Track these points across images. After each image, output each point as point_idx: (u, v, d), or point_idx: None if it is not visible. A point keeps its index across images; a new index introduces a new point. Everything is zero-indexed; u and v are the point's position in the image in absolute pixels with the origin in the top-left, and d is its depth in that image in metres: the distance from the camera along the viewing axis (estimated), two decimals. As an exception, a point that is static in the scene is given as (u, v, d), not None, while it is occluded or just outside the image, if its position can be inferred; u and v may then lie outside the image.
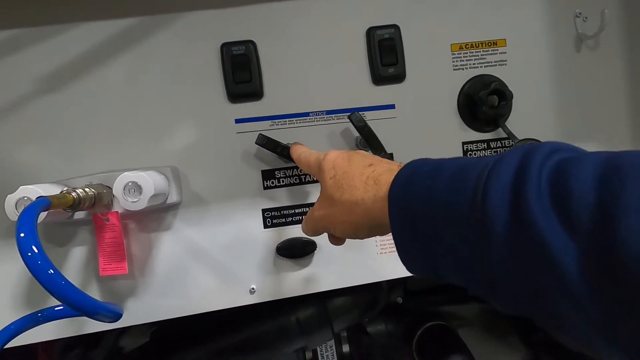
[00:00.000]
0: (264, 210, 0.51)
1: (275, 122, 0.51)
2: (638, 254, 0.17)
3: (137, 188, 0.40)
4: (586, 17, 0.54)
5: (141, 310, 0.49)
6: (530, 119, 0.54)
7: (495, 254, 0.22)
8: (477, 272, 0.25)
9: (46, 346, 0.60)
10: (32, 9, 0.46)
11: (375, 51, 0.51)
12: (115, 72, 0.48)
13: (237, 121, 0.50)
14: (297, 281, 0.51)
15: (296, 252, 0.50)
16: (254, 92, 0.49)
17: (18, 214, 0.37)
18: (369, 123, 0.48)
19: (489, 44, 0.53)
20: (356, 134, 0.51)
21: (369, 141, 0.48)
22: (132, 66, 0.48)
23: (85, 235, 0.48)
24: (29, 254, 0.29)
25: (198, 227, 0.49)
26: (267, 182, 0.51)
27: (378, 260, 0.52)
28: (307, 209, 0.52)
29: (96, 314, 0.35)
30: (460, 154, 0.54)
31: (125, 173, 0.40)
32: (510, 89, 0.51)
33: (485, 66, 0.53)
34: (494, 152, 0.54)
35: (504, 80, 0.52)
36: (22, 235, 0.30)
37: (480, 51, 0.53)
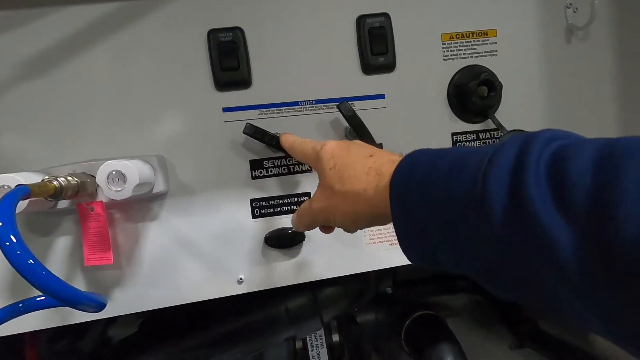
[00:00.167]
0: (252, 200, 0.50)
1: (263, 111, 0.50)
2: (634, 236, 0.17)
3: (121, 177, 0.40)
4: (576, 8, 0.54)
5: (128, 301, 0.48)
6: (520, 110, 0.54)
7: (493, 238, 0.23)
8: (475, 257, 0.25)
9: (32, 337, 0.59)
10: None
11: (365, 40, 0.50)
12: (100, 58, 0.47)
13: (225, 110, 0.49)
14: (285, 271, 0.51)
15: (285, 242, 0.50)
16: (241, 80, 0.49)
17: (-3, 203, 0.36)
18: (359, 113, 0.48)
19: (480, 34, 0.53)
20: (345, 123, 0.50)
21: (358, 131, 0.48)
22: (116, 52, 0.47)
23: (69, 225, 0.47)
24: (7, 243, 0.28)
25: (185, 217, 0.49)
26: (255, 171, 0.50)
27: (367, 250, 0.52)
28: (296, 199, 0.51)
29: (79, 303, 0.34)
30: (450, 145, 0.54)
31: (109, 162, 0.40)
32: (500, 79, 0.51)
33: (475, 56, 0.53)
34: (483, 143, 0.54)
35: (494, 71, 0.52)
36: None
37: (470, 41, 0.53)
